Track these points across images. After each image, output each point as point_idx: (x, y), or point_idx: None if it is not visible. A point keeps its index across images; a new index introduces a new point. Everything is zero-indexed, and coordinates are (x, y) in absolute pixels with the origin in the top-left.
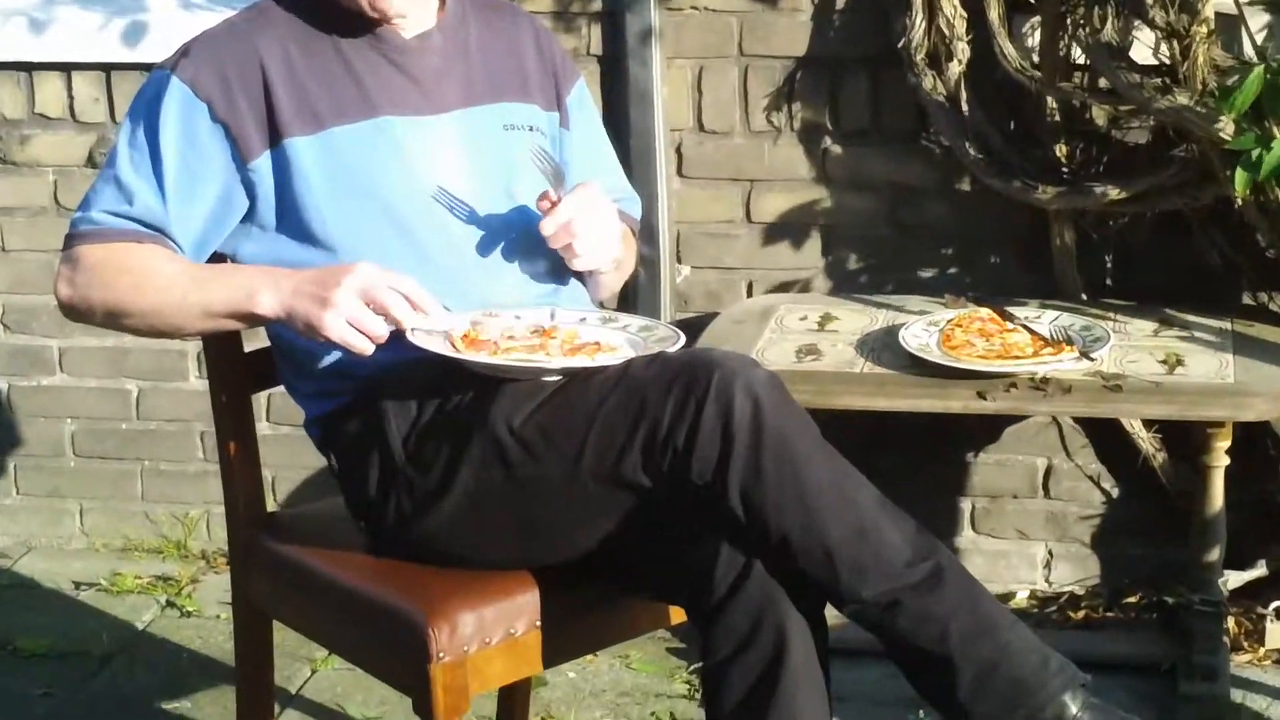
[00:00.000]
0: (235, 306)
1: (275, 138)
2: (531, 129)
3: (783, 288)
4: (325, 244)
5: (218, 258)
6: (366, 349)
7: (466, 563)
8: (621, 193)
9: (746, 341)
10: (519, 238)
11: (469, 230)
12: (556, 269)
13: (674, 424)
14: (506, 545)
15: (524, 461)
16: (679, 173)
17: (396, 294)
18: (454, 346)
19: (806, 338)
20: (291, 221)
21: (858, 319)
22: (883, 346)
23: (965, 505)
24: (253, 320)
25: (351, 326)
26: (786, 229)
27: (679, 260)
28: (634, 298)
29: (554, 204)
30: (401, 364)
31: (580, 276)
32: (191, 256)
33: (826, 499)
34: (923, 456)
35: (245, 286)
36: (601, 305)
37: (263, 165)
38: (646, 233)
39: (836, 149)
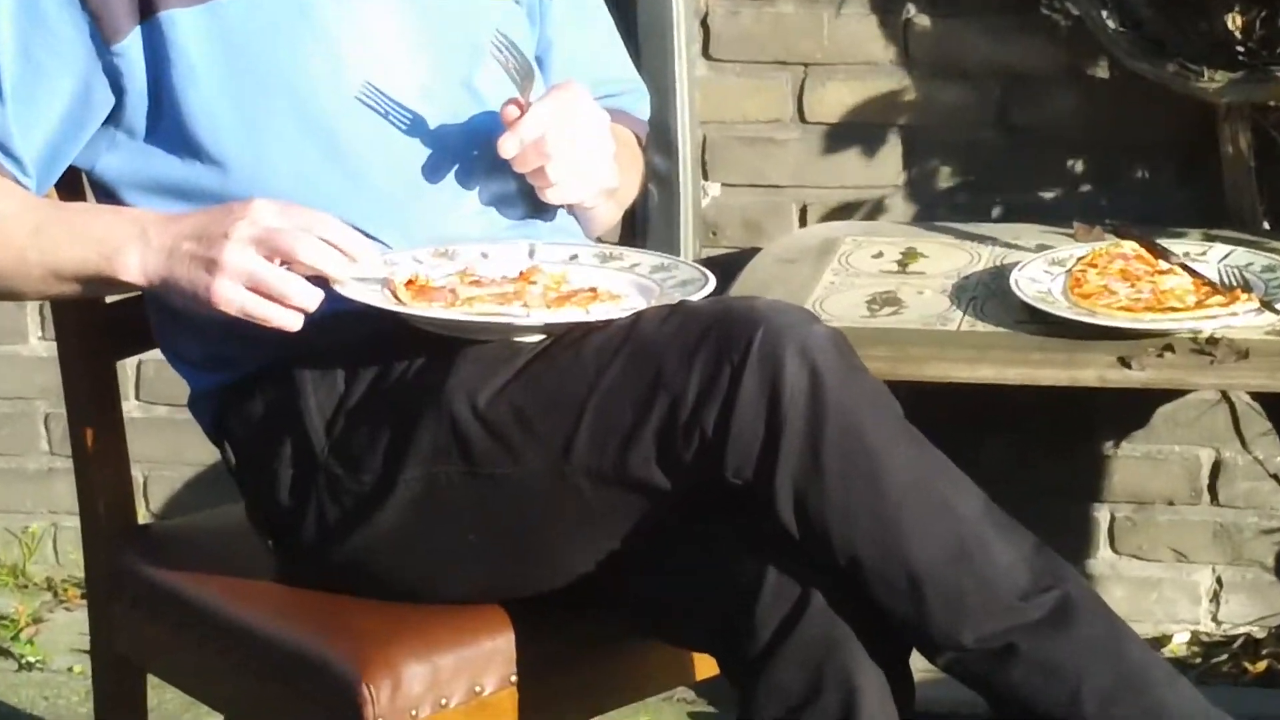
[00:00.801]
0: (90, 269)
1: (147, 7)
2: None
3: (848, 213)
4: (213, 158)
5: (73, 175)
6: (288, 323)
7: (415, 594)
8: (624, 84)
9: (799, 288)
10: (485, 151)
11: (415, 142)
12: (535, 194)
13: (701, 402)
14: (469, 570)
15: (493, 455)
16: (705, 54)
17: (312, 240)
18: (395, 297)
19: (882, 283)
20: (169, 126)
21: (952, 257)
22: (987, 295)
23: (1102, 515)
24: (117, 286)
25: (258, 295)
26: (853, 132)
27: (705, 176)
28: (644, 228)
29: (521, 112)
30: (324, 321)
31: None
32: (38, 180)
33: (912, 505)
34: (1042, 448)
35: (102, 242)
36: (599, 240)
37: (131, 47)
38: (660, 138)
39: (922, 21)
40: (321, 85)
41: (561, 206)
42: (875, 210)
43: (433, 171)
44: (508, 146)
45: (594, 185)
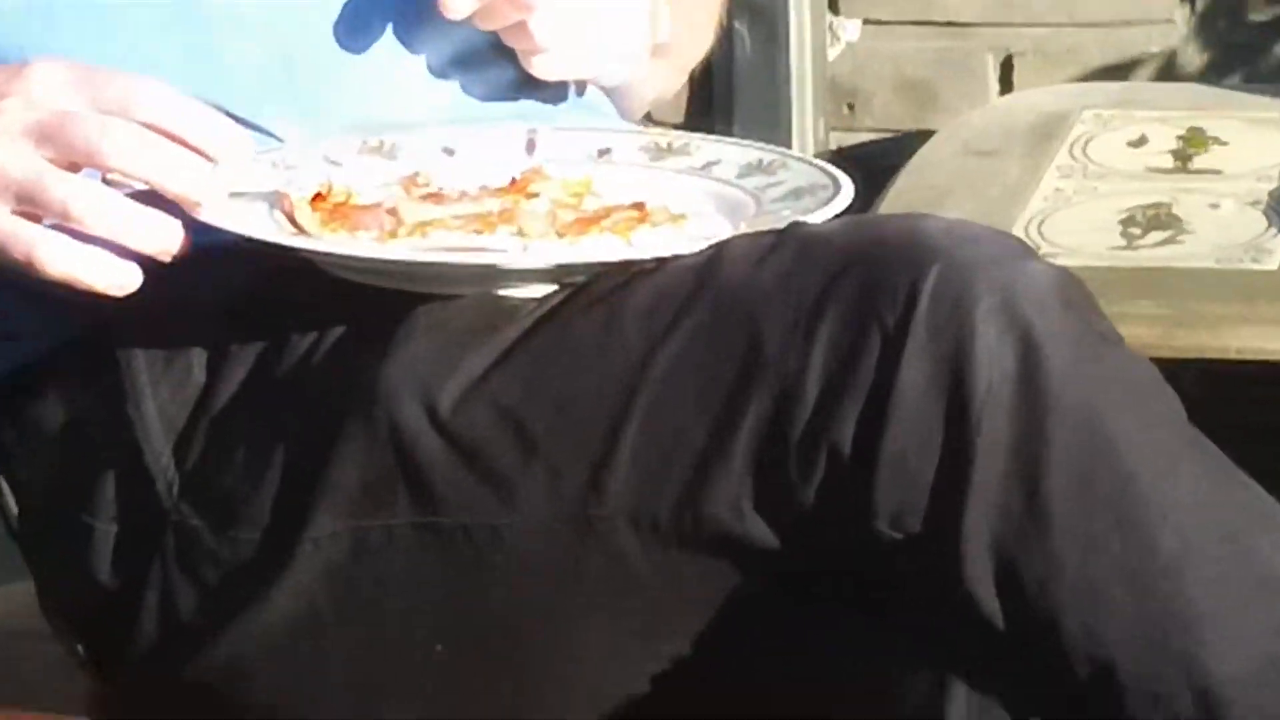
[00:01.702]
0: None
1: None
2: None
3: (1091, 70)
4: None
5: None
6: (105, 281)
7: None
8: None
9: (1002, 199)
10: None
11: None
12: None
13: (829, 399)
14: (427, 699)
15: (466, 493)
16: None
17: (135, 130)
18: (292, 223)
19: (1149, 189)
20: None
21: (1266, 140)
22: None
23: None
24: None
25: (51, 232)
26: None
27: (835, 8)
28: (728, 96)
29: None
30: (168, 266)
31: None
32: None
33: (1208, 575)
34: None
35: None
36: (649, 121)
37: None
38: None
39: None
40: None
41: (564, 83)
42: (1136, 64)
43: (356, 12)
44: (452, 2)
45: (615, 47)
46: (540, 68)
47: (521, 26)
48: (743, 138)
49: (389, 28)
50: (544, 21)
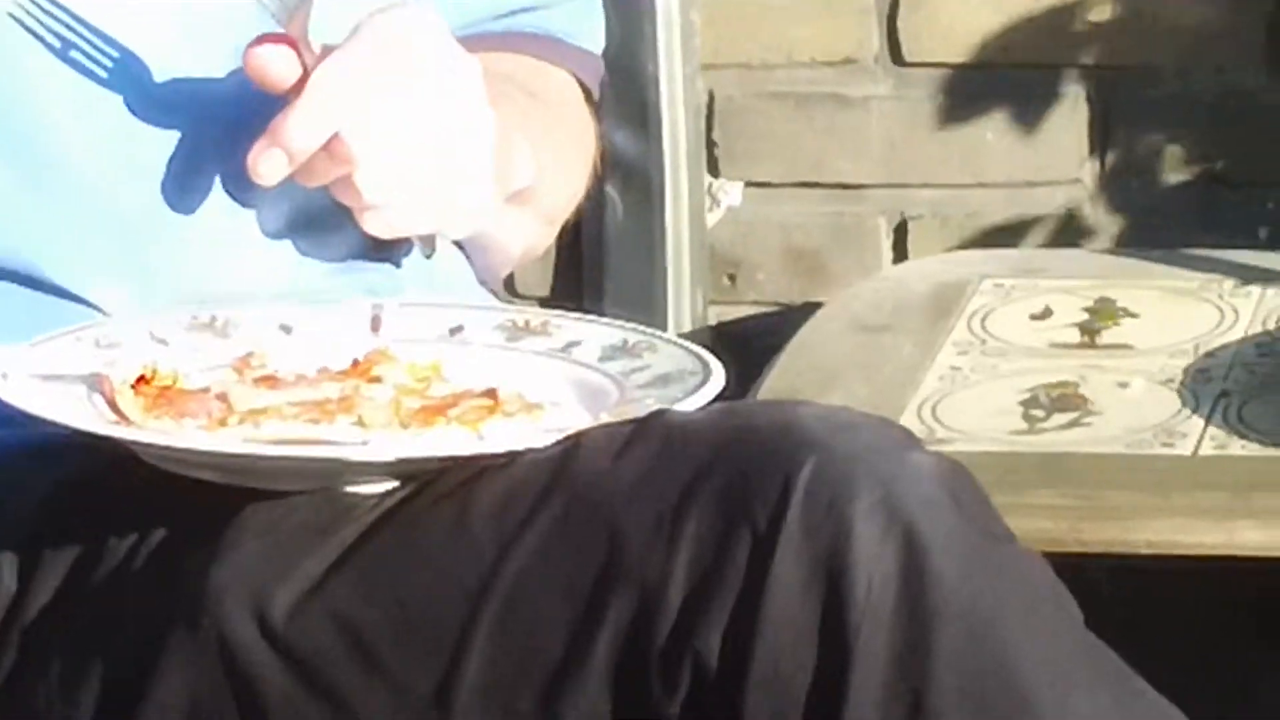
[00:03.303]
0: None
1: None
2: None
3: (984, 232)
4: None
5: None
6: None
7: None
8: None
9: (892, 381)
10: None
11: (148, 109)
12: None
13: (694, 605)
14: None
15: (306, 710)
16: None
17: None
18: (114, 409)
19: (1052, 366)
20: None
21: (1184, 313)
22: (1253, 387)
23: None
24: None
25: None
26: (994, 79)
27: (714, 169)
28: (598, 266)
29: (300, 75)
30: None
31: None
32: None
33: None
34: None
35: None
36: (510, 290)
37: None
38: (625, 92)
39: None
40: None
41: (393, 244)
42: (1037, 225)
43: (186, 168)
44: (265, 165)
45: (452, 203)
46: (372, 224)
47: (347, 181)
48: (614, 312)
49: (223, 184)
50: (371, 174)
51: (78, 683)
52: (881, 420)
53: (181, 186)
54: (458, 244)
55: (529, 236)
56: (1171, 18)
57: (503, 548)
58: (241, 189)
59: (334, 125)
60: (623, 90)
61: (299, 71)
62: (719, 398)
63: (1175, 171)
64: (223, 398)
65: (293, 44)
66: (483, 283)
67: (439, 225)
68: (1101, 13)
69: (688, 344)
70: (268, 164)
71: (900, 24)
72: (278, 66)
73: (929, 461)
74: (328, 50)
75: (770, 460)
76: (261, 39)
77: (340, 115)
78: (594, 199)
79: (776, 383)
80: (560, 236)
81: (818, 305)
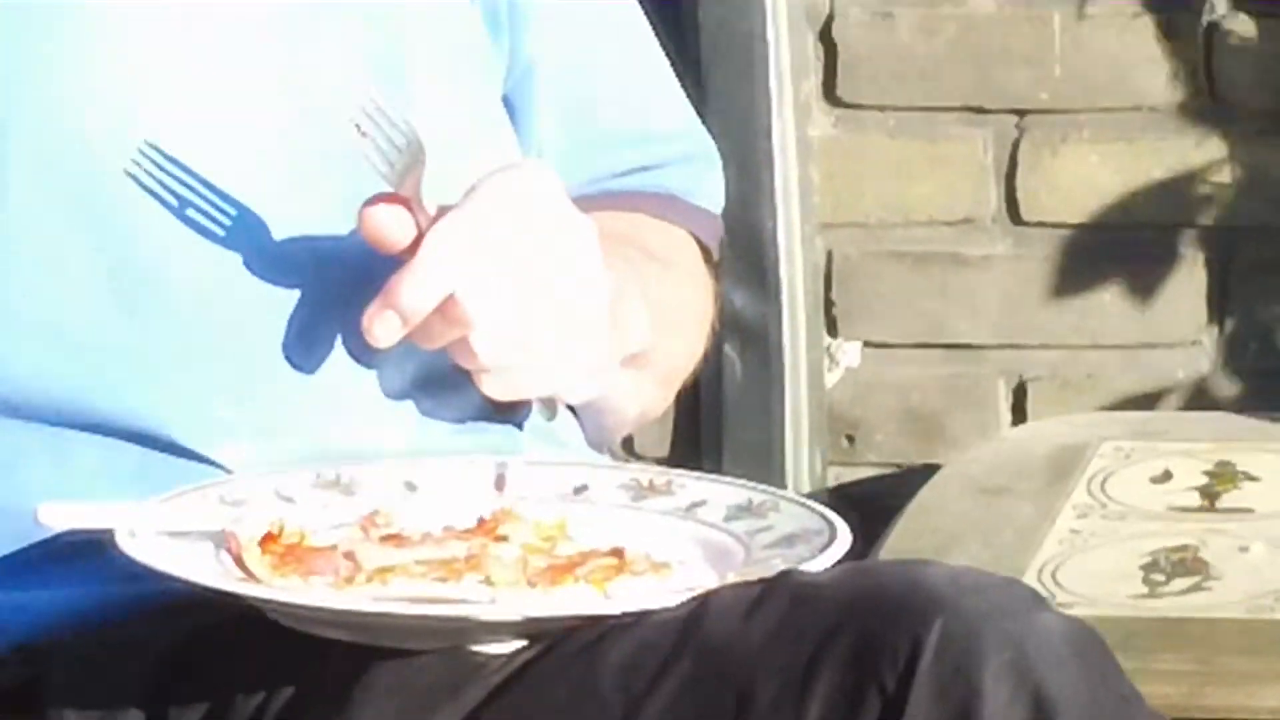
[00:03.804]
0: None
1: None
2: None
3: (1113, 399)
4: None
5: None
6: None
7: None
8: (671, 144)
9: (1014, 543)
10: None
11: (268, 269)
12: None
13: None
14: None
15: None
16: (829, 95)
17: None
18: (240, 565)
19: (1175, 531)
20: None
21: None
22: None
23: None
24: None
25: None
26: (1115, 242)
27: (833, 329)
28: (716, 427)
29: (414, 237)
30: (97, 613)
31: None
32: None
33: None
34: None
35: None
36: (629, 451)
37: None
38: (744, 252)
39: (1245, 27)
40: (90, 157)
41: (513, 406)
42: (1161, 392)
43: (306, 329)
44: (380, 328)
45: (569, 367)
46: (490, 387)
47: (464, 344)
48: (732, 472)
49: (344, 343)
50: (487, 337)
51: None
52: (1009, 580)
53: (303, 345)
54: (572, 409)
55: (646, 399)
56: None
57: (631, 708)
58: (362, 349)
59: (448, 287)
60: (742, 249)
61: (413, 232)
62: (844, 558)
63: None
64: (350, 556)
65: (407, 204)
66: (595, 446)
67: (557, 389)
68: (1220, 174)
69: (812, 503)
70: (382, 326)
71: (1019, 183)
72: (391, 228)
73: (1058, 622)
74: (443, 210)
75: (899, 620)
76: (375, 199)
77: (455, 277)
78: (713, 359)
79: (897, 544)
80: (679, 396)
81: (936, 467)
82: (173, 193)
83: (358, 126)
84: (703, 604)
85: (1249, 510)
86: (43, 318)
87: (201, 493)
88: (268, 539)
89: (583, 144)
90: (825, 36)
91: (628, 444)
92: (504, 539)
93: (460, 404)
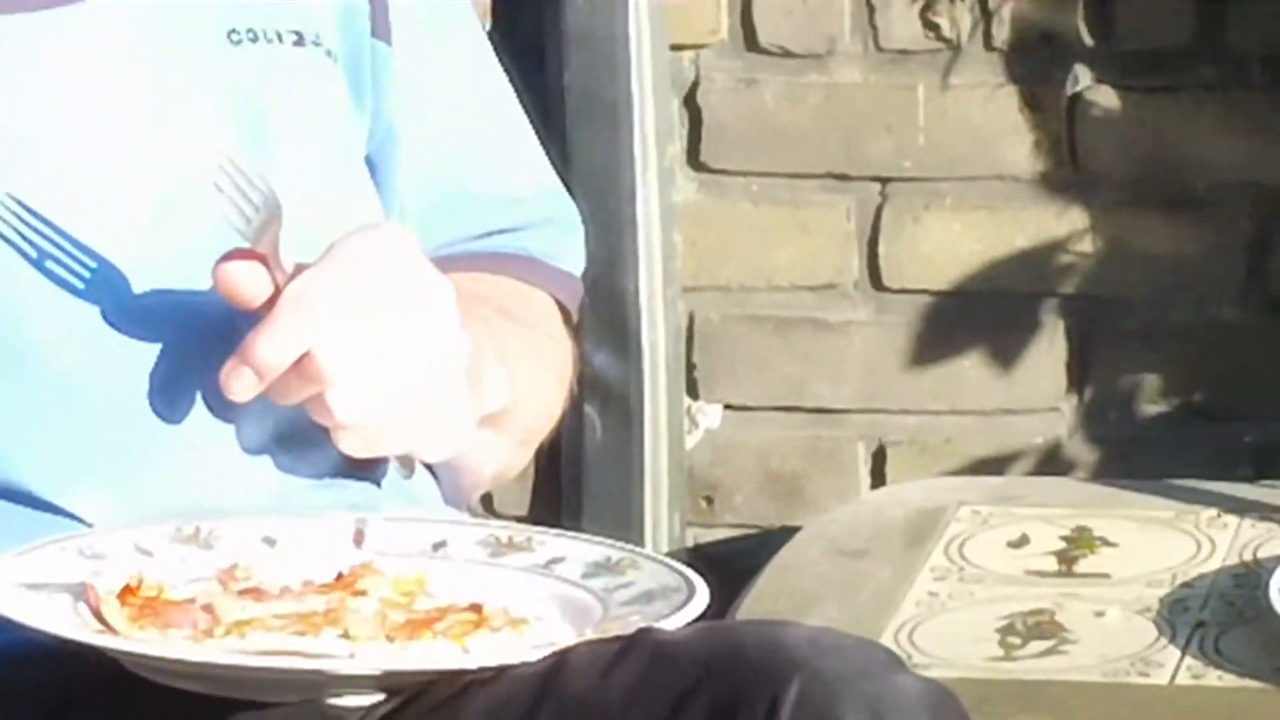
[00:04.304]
0: None
1: None
2: (298, 39)
3: (969, 462)
4: None
5: None
6: None
7: None
8: (532, 207)
9: (871, 604)
10: None
11: (132, 323)
12: None
13: None
14: None
15: None
16: (693, 161)
17: None
18: (99, 618)
19: (1030, 595)
20: None
21: (1162, 544)
22: (1230, 618)
23: None
24: None
25: None
26: (973, 308)
27: (694, 392)
28: (577, 487)
29: (271, 293)
30: None
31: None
32: None
33: None
34: None
35: None
36: (488, 508)
37: None
38: (607, 316)
39: (1105, 99)
40: None
41: (370, 463)
42: (1017, 456)
43: (168, 382)
44: (235, 384)
45: (426, 424)
46: (347, 444)
47: (320, 400)
48: (591, 531)
49: (203, 398)
50: (344, 394)
51: None
52: (867, 642)
53: (163, 399)
54: (427, 467)
55: (503, 459)
56: (1150, 249)
57: None
58: (221, 403)
59: (304, 344)
60: (603, 311)
61: (270, 289)
62: (701, 617)
63: (1153, 403)
64: (208, 609)
65: (264, 260)
66: (453, 504)
67: (413, 447)
68: (1081, 243)
69: (670, 561)
70: (238, 382)
71: (881, 250)
72: (248, 284)
73: (914, 684)
74: (300, 268)
75: (758, 679)
76: (231, 254)
77: (311, 334)
78: (573, 419)
79: (754, 605)
80: (538, 455)
81: (795, 528)
82: (33, 245)
83: (215, 184)
84: (561, 660)
85: (1105, 575)
86: None
87: (59, 545)
88: (126, 592)
89: (444, 206)
90: (690, 102)
91: (486, 502)
92: (362, 594)
93: (319, 460)
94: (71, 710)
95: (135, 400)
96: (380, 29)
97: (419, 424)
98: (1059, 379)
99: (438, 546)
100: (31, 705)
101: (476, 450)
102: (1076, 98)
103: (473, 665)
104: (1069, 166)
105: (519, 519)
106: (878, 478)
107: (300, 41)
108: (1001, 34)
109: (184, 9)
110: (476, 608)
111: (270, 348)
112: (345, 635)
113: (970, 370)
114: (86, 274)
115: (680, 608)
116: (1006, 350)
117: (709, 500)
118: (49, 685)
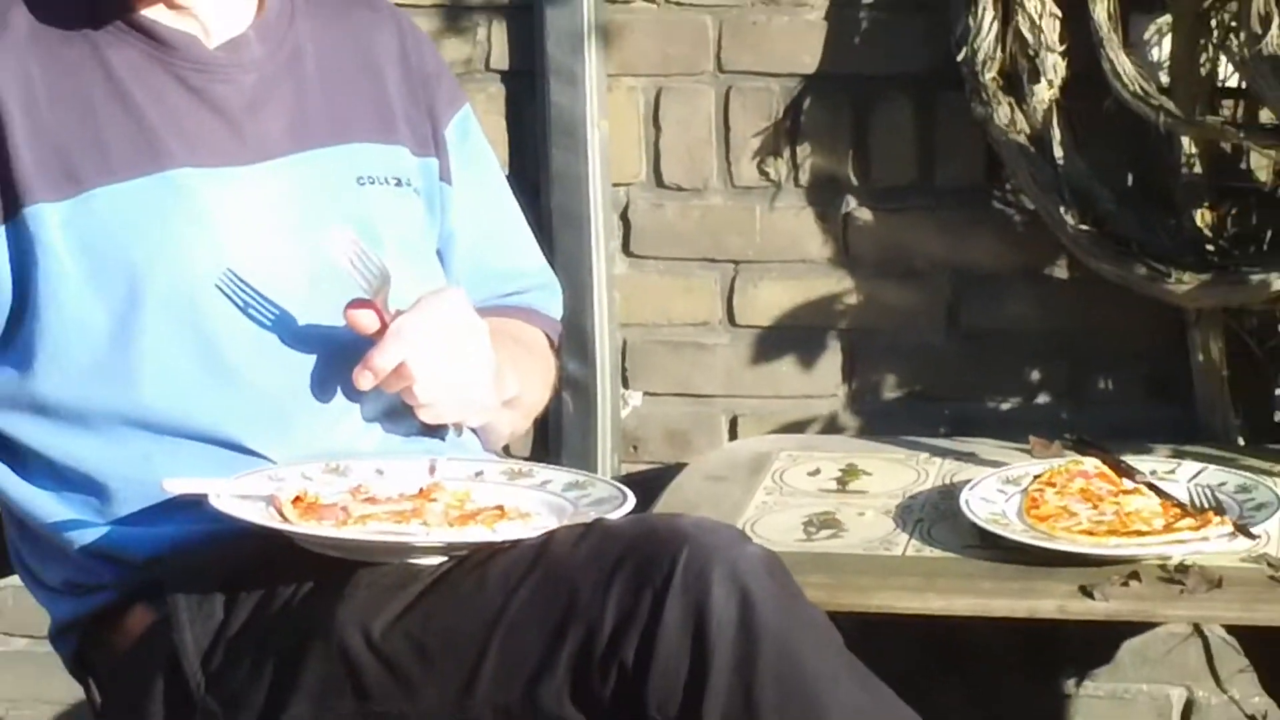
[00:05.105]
0: None
1: (12, 204)
2: (398, 182)
3: (785, 426)
4: (79, 365)
5: None
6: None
7: None
8: (532, 278)
9: (729, 508)
10: None
11: (300, 345)
12: None
13: (619, 631)
14: None
15: (389, 691)
16: (625, 249)
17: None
18: (280, 514)
19: (820, 503)
20: (29, 334)
21: (897, 474)
22: (936, 516)
23: None
24: None
25: None
26: (788, 336)
27: (625, 384)
28: (557, 440)
29: (380, 327)
30: (199, 539)
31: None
32: None
33: None
34: (999, 686)
35: None
36: (506, 452)
37: None
38: (575, 341)
39: (863, 215)
40: (198, 280)
41: (439, 426)
42: (812, 422)
43: (320, 379)
44: (362, 380)
45: (471, 404)
46: (426, 416)
47: (410, 391)
48: (567, 464)
49: (341, 389)
50: (423, 388)
51: (258, 673)
52: (729, 526)
53: (318, 389)
54: (473, 429)
55: (515, 425)
56: (890, 302)
57: (506, 598)
58: (352, 392)
59: (400, 357)
60: (573, 338)
61: (379, 325)
62: (632, 512)
63: (892, 391)
64: (344, 509)
65: (376, 308)
66: (486, 450)
67: (463, 418)
68: (850, 299)
69: (613, 481)
70: (362, 379)
71: (735, 302)
72: (366, 322)
73: (757, 549)
74: (399, 313)
75: (664, 548)
76: (355, 303)
77: (405, 352)
78: (554, 402)
79: (662, 508)
80: (536, 423)
81: (684, 465)
82: (240, 298)
83: (350, 262)
84: (549, 537)
85: (865, 492)
86: (167, 403)
87: (258, 474)
88: (296, 500)
89: (480, 278)
90: (624, 215)
91: (506, 448)
92: (434, 500)
93: (407, 425)
94: (259, 567)
95: (301, 390)
96: (445, 175)
97: (467, 404)
98: (837, 376)
99: (477, 474)
100: (216, 573)
101: (500, 420)
102: (848, 215)
103: (498, 539)
104: (844, 254)
105: (524, 458)
106: (733, 435)
107: (400, 184)
108: (804, 176)
109: (332, 164)
110: (500, 508)
111: (381, 359)
112: (424, 523)
113: (786, 371)
114: (272, 316)
115: (618, 507)
116: (808, 358)
117: (635, 448)
118: (244, 553)
